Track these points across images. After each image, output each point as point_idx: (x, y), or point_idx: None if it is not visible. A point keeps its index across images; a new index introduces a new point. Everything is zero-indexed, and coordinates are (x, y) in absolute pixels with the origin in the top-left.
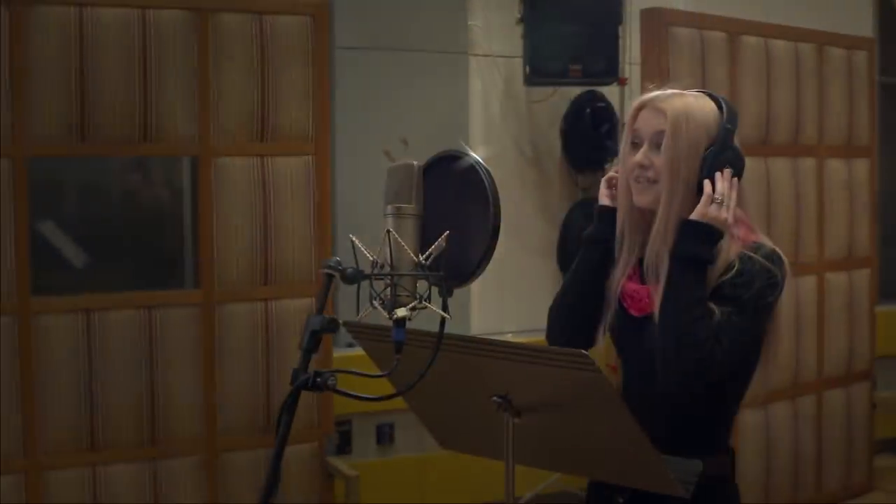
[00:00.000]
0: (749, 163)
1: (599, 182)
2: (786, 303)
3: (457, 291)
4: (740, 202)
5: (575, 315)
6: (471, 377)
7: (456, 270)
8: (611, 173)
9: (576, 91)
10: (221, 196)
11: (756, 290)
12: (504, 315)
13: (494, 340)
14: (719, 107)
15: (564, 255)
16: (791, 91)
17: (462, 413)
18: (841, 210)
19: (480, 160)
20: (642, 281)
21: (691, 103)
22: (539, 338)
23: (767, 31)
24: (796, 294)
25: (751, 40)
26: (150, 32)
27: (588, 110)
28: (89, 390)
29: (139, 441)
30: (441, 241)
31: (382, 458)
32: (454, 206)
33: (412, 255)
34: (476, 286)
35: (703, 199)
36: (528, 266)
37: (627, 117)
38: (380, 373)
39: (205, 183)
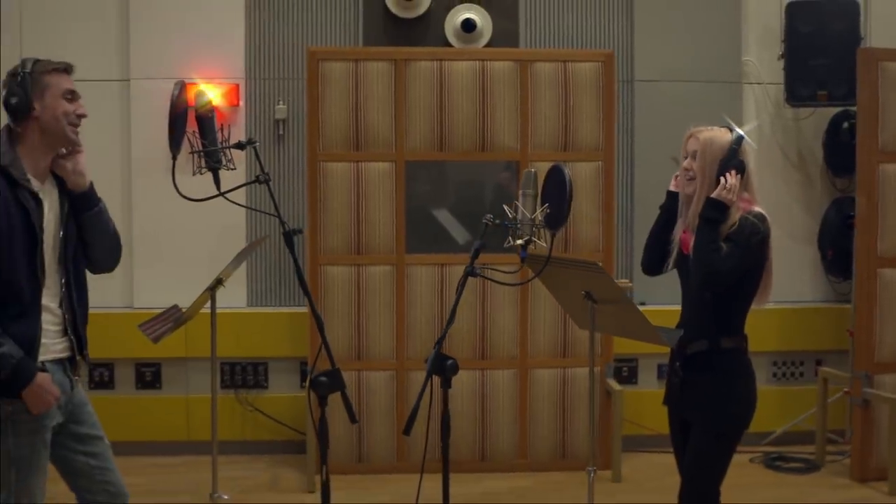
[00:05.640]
0: None
1: (855, 184)
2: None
3: None
4: (747, 188)
5: (653, 253)
6: (573, 281)
7: (553, 224)
8: (677, 173)
9: (835, 110)
10: None
11: (746, 235)
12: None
13: (574, 259)
14: (731, 132)
15: (824, 242)
16: None
17: (577, 304)
18: None
19: (567, 171)
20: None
21: (714, 134)
22: (800, 307)
23: None
24: None
25: None
26: (487, 77)
27: (845, 125)
28: (440, 317)
29: (473, 356)
30: (545, 208)
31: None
32: (555, 191)
33: (529, 215)
34: None
35: (719, 187)
36: (792, 250)
37: (683, 139)
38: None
39: None
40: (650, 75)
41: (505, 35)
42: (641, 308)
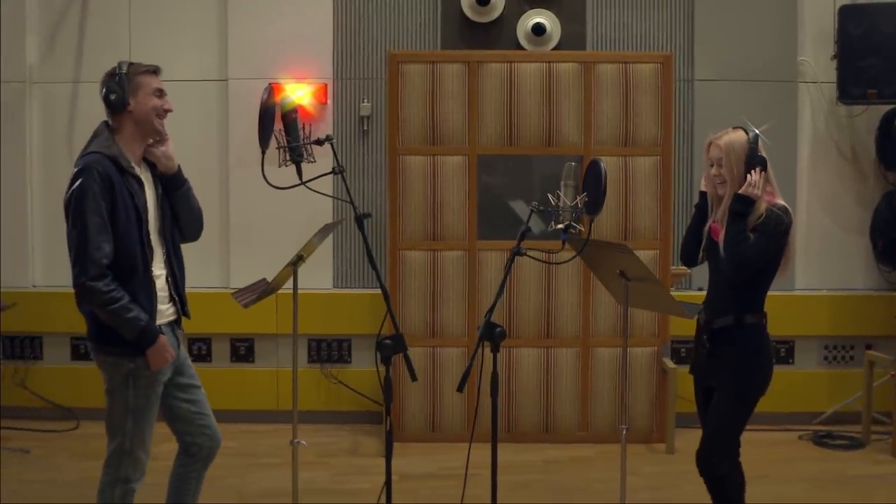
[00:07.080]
0: None
1: None
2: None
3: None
4: (769, 182)
5: (689, 244)
6: (611, 261)
7: (591, 210)
8: (705, 173)
9: (886, 107)
10: None
11: (772, 226)
12: (824, 275)
13: (608, 241)
14: (747, 134)
15: (875, 233)
16: None
17: (614, 282)
18: None
19: (603, 165)
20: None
21: (732, 137)
22: (851, 294)
23: None
24: None
25: None
26: (553, 78)
27: None
28: (507, 298)
29: (538, 335)
30: (584, 197)
31: None
32: (593, 182)
33: (569, 202)
34: (801, 254)
35: (745, 184)
36: (844, 240)
37: (704, 147)
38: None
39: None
40: (709, 75)
41: (573, 37)
42: (698, 293)
